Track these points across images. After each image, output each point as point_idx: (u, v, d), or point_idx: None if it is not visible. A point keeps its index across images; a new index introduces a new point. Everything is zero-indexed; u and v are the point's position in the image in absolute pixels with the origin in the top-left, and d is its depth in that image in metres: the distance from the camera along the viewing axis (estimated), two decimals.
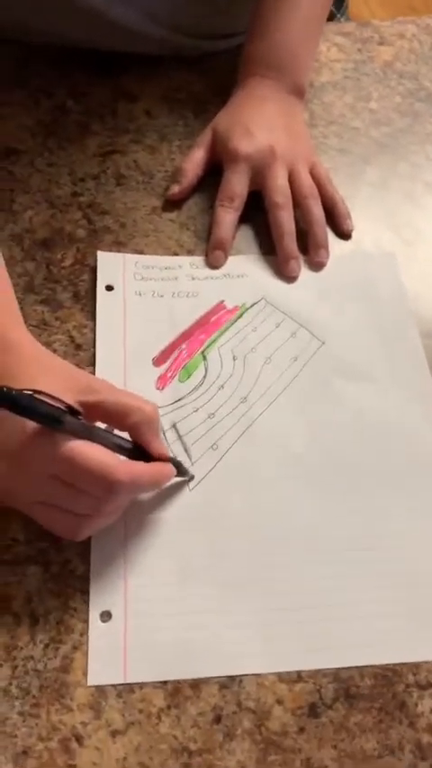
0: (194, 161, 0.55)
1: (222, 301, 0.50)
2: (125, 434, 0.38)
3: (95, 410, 0.37)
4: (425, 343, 0.49)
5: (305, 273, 0.52)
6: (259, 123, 0.54)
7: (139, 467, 0.37)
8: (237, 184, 0.52)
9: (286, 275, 0.51)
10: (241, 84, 0.58)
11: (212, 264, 0.51)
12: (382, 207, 0.56)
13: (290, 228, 0.51)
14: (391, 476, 0.43)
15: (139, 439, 0.38)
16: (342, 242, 0.54)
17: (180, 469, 0.41)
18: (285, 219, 0.51)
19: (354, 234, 0.54)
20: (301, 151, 0.55)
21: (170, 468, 0.40)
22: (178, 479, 0.42)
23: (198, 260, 0.52)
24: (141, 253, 0.52)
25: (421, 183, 0.58)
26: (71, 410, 0.35)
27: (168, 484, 0.41)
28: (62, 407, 0.34)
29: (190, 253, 0.52)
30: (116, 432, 0.38)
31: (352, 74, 0.66)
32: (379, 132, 0.61)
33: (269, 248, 0.53)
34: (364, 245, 0.54)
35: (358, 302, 0.51)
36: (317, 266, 0.52)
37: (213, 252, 0.51)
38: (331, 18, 0.73)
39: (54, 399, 0.34)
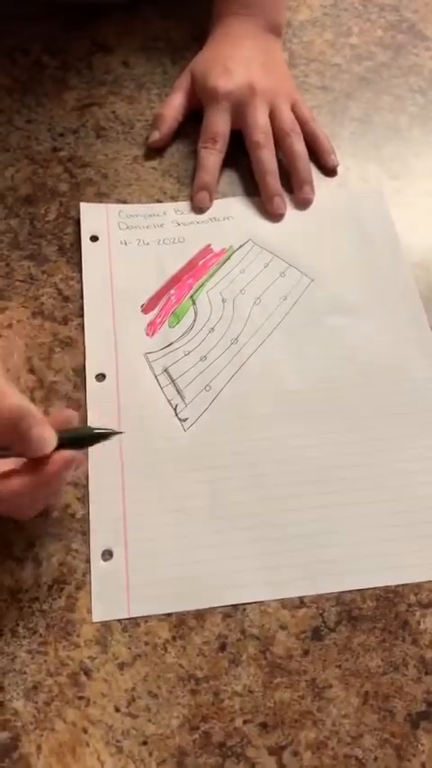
0: (173, 106, 0.54)
1: (209, 245, 0.50)
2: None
3: None
4: (416, 274, 0.48)
5: (292, 213, 0.51)
6: (237, 61, 0.53)
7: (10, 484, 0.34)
8: (218, 124, 0.52)
9: (272, 213, 0.50)
10: (217, 23, 0.57)
11: (198, 207, 0.51)
12: (367, 141, 0.55)
13: (272, 167, 0.51)
14: (385, 405, 0.43)
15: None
16: (328, 179, 0.53)
17: (100, 436, 0.36)
18: (267, 158, 0.51)
19: (340, 170, 0.54)
20: (282, 88, 0.54)
21: (54, 461, 0.34)
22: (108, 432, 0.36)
23: (183, 205, 0.51)
24: (125, 202, 0.51)
25: (405, 115, 0.57)
26: None
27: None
28: None
29: (174, 199, 0.52)
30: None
31: (331, 10, 0.64)
32: (361, 67, 0.60)
33: (254, 189, 0.52)
34: (350, 181, 0.53)
35: (347, 238, 0.50)
36: (303, 203, 0.51)
37: (198, 194, 0.51)
38: None
39: None
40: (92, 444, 0.38)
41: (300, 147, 0.52)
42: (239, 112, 0.52)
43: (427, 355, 0.45)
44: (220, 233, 0.50)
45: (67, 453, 0.34)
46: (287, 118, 0.52)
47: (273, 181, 0.50)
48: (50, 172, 0.53)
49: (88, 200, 0.51)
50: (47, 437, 0.34)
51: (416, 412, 0.43)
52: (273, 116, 0.52)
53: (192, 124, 0.55)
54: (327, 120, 0.56)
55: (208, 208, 0.51)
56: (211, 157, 0.51)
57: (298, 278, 0.48)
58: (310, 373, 0.44)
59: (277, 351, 0.45)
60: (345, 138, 0.56)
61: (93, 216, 0.50)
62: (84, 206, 0.50)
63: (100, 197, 0.52)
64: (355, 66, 0.60)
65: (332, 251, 0.49)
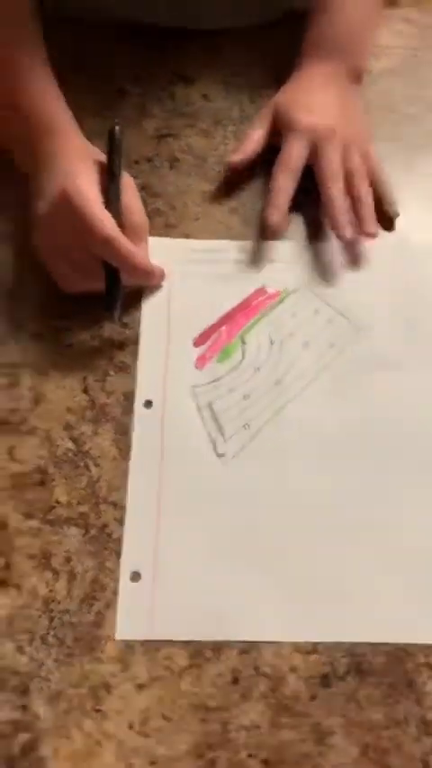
0: (254, 135, 0.56)
1: (263, 286, 0.52)
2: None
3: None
4: None
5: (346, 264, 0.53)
6: (320, 104, 0.55)
7: (125, 238, 0.46)
8: (295, 152, 0.53)
9: (343, 238, 0.51)
10: (302, 63, 0.58)
11: (269, 225, 0.52)
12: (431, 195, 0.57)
13: (342, 202, 0.52)
14: (421, 465, 0.44)
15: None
16: (388, 234, 0.54)
17: (114, 298, 0.47)
18: (338, 193, 0.52)
19: (402, 225, 0.55)
20: (358, 136, 0.55)
21: (154, 274, 0.50)
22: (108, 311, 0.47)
23: (244, 244, 0.53)
24: (190, 236, 0.54)
25: None
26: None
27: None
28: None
29: (237, 237, 0.54)
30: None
31: (411, 60, 0.65)
32: None
33: (313, 235, 0.54)
34: (411, 238, 0.54)
35: (399, 294, 0.51)
36: (367, 237, 0.52)
37: (272, 215, 0.52)
38: (394, 3, 0.72)
39: None
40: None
41: (365, 186, 0.53)
42: (316, 148, 0.53)
43: None
44: (275, 275, 0.52)
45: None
46: (356, 161, 0.54)
47: (342, 214, 0.51)
48: None
49: (156, 231, 0.53)
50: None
51: None
52: (343, 158, 0.54)
53: (263, 166, 0.57)
54: (395, 171, 0.57)
55: (280, 227, 0.52)
56: (286, 182, 0.52)
57: (346, 327, 0.50)
58: (349, 423, 0.46)
59: (319, 397, 0.47)
60: (411, 193, 0.57)
61: (159, 249, 0.52)
62: (151, 240, 0.53)
63: (167, 228, 0.54)
64: (429, 119, 0.61)
65: (383, 305, 0.51)
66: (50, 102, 0.51)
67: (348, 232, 0.51)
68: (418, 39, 0.66)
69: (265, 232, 0.53)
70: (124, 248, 0.46)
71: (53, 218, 0.47)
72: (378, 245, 0.53)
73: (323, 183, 0.53)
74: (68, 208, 0.45)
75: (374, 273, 0.52)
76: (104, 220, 0.45)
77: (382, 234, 0.54)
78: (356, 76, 0.59)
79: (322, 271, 0.52)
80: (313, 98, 0.56)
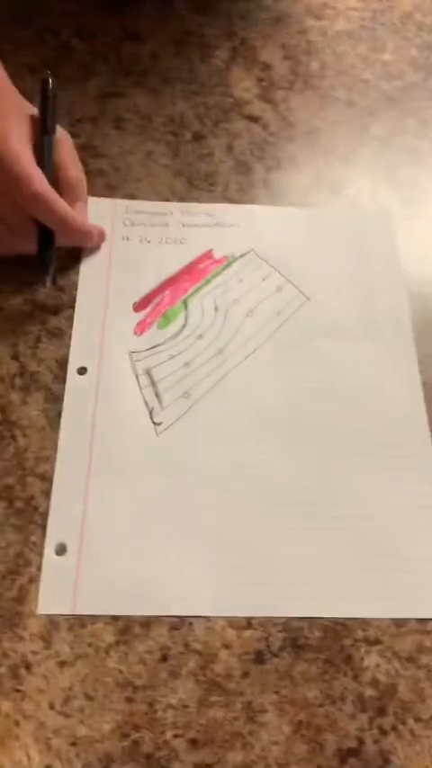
0: None
1: (210, 250, 0.49)
2: None
3: None
4: (412, 304, 0.48)
5: (298, 228, 0.51)
6: None
7: (57, 196, 0.44)
8: None
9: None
10: None
11: None
12: (385, 163, 0.55)
13: None
14: (360, 435, 0.42)
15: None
16: (339, 198, 0.53)
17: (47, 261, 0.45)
18: None
19: (352, 190, 0.53)
20: None
21: (92, 233, 0.47)
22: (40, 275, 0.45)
23: (190, 206, 0.51)
24: (133, 197, 0.51)
25: (428, 140, 0.56)
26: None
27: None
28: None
29: (182, 199, 0.51)
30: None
31: (369, 23, 0.63)
32: (390, 86, 0.59)
33: (264, 199, 0.52)
34: (361, 203, 0.53)
35: (349, 261, 0.50)
36: None
37: None
38: None
39: None
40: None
41: None
42: None
43: (409, 390, 0.44)
44: (223, 239, 0.50)
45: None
46: None
47: None
48: None
49: (97, 192, 0.51)
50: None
51: (390, 446, 0.42)
52: None
53: (211, 127, 0.55)
54: (347, 136, 0.56)
55: None
56: None
57: (294, 295, 0.48)
58: (290, 393, 0.44)
59: (261, 366, 0.45)
60: (363, 157, 0.55)
61: (99, 209, 0.50)
62: (91, 200, 0.50)
63: (109, 189, 0.51)
64: (383, 83, 0.59)
65: (332, 272, 0.49)
66: None
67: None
68: (376, 1, 0.64)
69: None
70: (57, 206, 0.43)
71: None
72: (328, 211, 0.51)
73: None
74: None
75: (325, 241, 0.50)
76: (33, 176, 0.42)
77: (335, 199, 0.52)
78: None
79: (273, 237, 0.50)
80: None
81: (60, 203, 0.44)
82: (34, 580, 0.37)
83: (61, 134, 0.47)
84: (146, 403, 0.43)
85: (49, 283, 0.45)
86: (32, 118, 0.46)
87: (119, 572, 0.37)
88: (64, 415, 0.42)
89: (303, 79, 0.59)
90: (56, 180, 0.46)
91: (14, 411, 0.42)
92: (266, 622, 0.37)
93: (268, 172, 0.53)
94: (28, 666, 0.35)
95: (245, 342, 0.46)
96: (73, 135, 0.53)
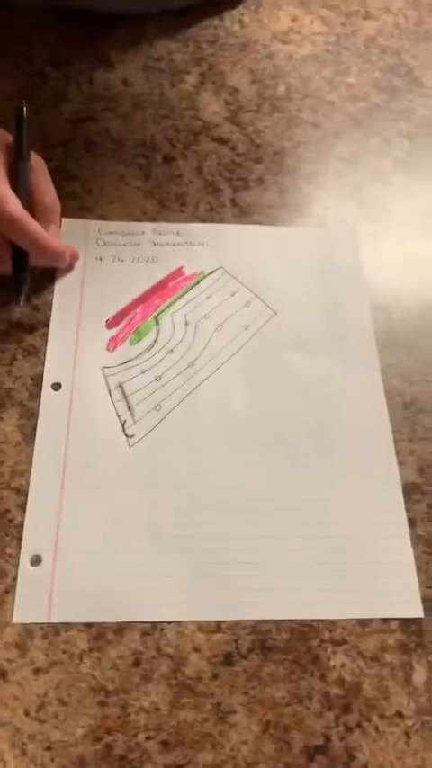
0: None
1: (181, 267, 0.51)
2: None
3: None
4: (375, 316, 0.49)
5: (265, 246, 0.53)
6: None
7: (32, 219, 0.45)
8: None
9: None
10: None
11: None
12: (350, 183, 0.57)
13: None
14: (328, 444, 0.44)
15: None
16: (306, 217, 0.55)
17: (20, 281, 0.46)
18: None
19: (318, 209, 0.55)
20: None
21: (66, 254, 0.48)
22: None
23: (161, 226, 0.53)
24: (105, 219, 0.53)
25: (390, 159, 0.58)
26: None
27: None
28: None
29: (153, 220, 0.53)
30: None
31: (333, 47, 0.65)
32: (354, 107, 0.61)
33: (232, 218, 0.53)
34: (327, 221, 0.54)
35: (315, 276, 0.51)
36: None
37: None
38: None
39: None
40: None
41: None
42: None
43: (373, 400, 0.46)
44: (192, 257, 0.52)
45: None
46: None
47: None
48: None
49: (71, 213, 0.53)
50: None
51: (355, 454, 0.44)
52: None
53: (181, 149, 0.57)
54: (313, 156, 0.58)
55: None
56: None
57: (262, 309, 0.49)
58: (259, 404, 0.45)
59: (230, 378, 0.46)
60: (328, 177, 0.57)
61: (72, 230, 0.51)
62: (65, 221, 0.52)
63: (82, 211, 0.53)
64: (348, 105, 0.62)
65: (298, 287, 0.51)
66: None
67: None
68: (340, 26, 0.67)
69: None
70: (31, 228, 0.45)
71: None
72: (295, 230, 0.53)
73: None
74: None
75: (293, 258, 0.52)
76: (8, 200, 0.44)
77: (302, 218, 0.54)
78: None
79: (241, 254, 0.52)
80: None
81: (34, 225, 0.45)
82: (10, 590, 0.38)
83: (35, 159, 0.49)
84: (118, 416, 0.44)
85: (22, 302, 0.46)
86: (7, 145, 0.48)
87: (92, 581, 0.39)
88: (39, 427, 0.43)
89: (270, 102, 0.61)
90: (30, 204, 0.47)
91: None
92: (235, 625, 0.38)
93: (236, 192, 0.55)
94: (3, 674, 0.36)
95: (215, 355, 0.47)
96: (46, 159, 0.55)
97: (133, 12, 0.63)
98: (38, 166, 0.49)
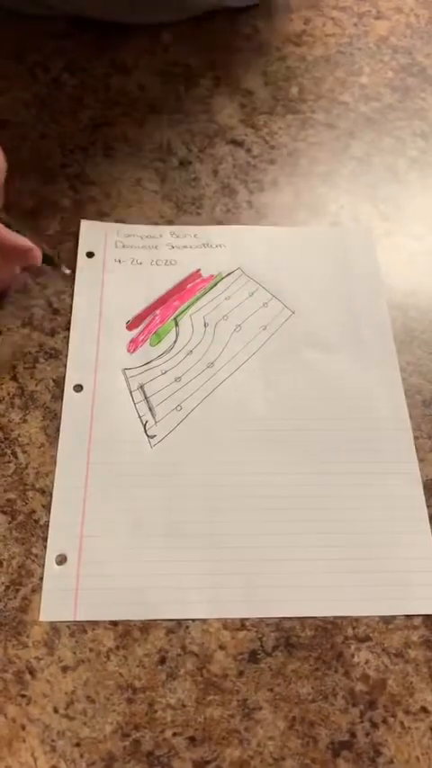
0: None
1: (198, 270, 0.52)
2: None
3: None
4: (392, 314, 0.50)
5: (282, 246, 0.53)
6: None
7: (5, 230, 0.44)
8: None
9: None
10: None
11: None
12: (365, 182, 0.57)
13: None
14: (348, 442, 0.44)
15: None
16: (321, 216, 0.55)
17: (50, 260, 0.48)
18: None
19: (333, 208, 0.55)
20: None
21: (36, 248, 0.46)
22: (50, 268, 0.49)
23: (178, 229, 0.53)
24: (123, 222, 0.54)
25: (405, 158, 0.58)
26: None
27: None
28: None
29: (170, 223, 0.54)
30: None
31: (345, 48, 0.66)
32: (368, 107, 0.62)
33: (248, 220, 0.54)
34: (342, 220, 0.55)
35: (331, 275, 0.52)
36: None
37: None
38: None
39: None
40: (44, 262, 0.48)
41: None
42: None
43: (393, 397, 0.46)
44: (210, 259, 0.52)
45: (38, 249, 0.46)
46: None
47: None
48: (56, 187, 0.55)
49: (89, 218, 0.53)
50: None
51: (375, 452, 0.44)
52: None
53: (197, 153, 0.57)
54: (327, 156, 0.58)
55: None
56: None
57: (280, 309, 0.50)
58: (278, 403, 0.46)
59: (250, 378, 0.47)
60: (343, 177, 0.57)
61: (92, 233, 0.52)
62: (84, 223, 0.52)
63: (100, 215, 0.54)
64: (362, 105, 0.62)
65: (316, 286, 0.51)
66: None
67: None
68: (352, 27, 0.67)
69: None
70: (11, 237, 0.45)
71: None
72: (311, 229, 0.54)
73: None
74: None
75: (309, 257, 0.52)
76: None
77: (317, 217, 0.55)
78: None
79: (258, 255, 0.52)
80: None
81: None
82: (37, 590, 0.39)
83: None
84: (140, 417, 0.45)
85: (66, 270, 0.50)
86: None
87: (117, 579, 0.39)
88: (62, 429, 0.44)
89: (284, 104, 0.61)
90: None
91: (14, 429, 0.44)
92: (260, 623, 0.39)
93: (252, 194, 0.55)
94: (32, 672, 0.37)
95: (233, 356, 0.48)
96: (66, 165, 0.56)
97: (145, 23, 0.64)
98: None
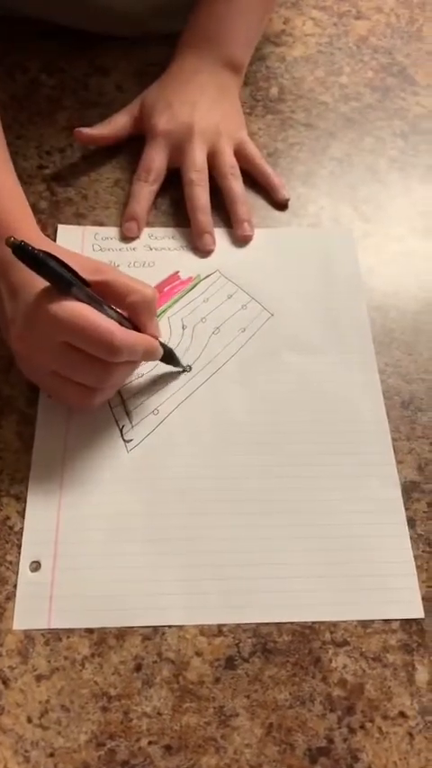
0: (117, 124, 0.56)
1: (177, 272, 0.51)
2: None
3: (101, 287, 0.41)
4: (372, 316, 0.49)
5: (261, 248, 0.53)
6: (183, 99, 0.54)
7: (135, 333, 0.42)
8: (154, 160, 0.53)
9: (201, 249, 0.52)
10: (176, 54, 0.58)
11: (126, 235, 0.52)
12: (345, 182, 0.57)
13: (202, 203, 0.52)
14: (327, 444, 0.44)
15: (136, 319, 0.42)
16: (301, 217, 0.55)
17: (173, 358, 0.45)
18: (198, 194, 0.52)
19: (313, 209, 0.55)
20: (226, 128, 0.55)
21: (158, 345, 0.44)
22: (173, 369, 0.46)
23: (156, 231, 0.53)
24: (101, 224, 0.53)
25: (385, 158, 0.58)
26: (81, 280, 0.39)
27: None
28: (72, 276, 0.38)
29: (149, 225, 0.53)
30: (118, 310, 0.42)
31: (325, 48, 0.66)
32: (348, 107, 0.61)
33: (227, 222, 0.53)
34: (323, 221, 0.54)
35: (311, 276, 0.51)
36: (242, 240, 0.52)
37: (126, 223, 0.52)
38: None
39: (66, 268, 0.38)
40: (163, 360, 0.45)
41: (237, 188, 0.53)
42: (177, 151, 0.53)
43: (372, 399, 0.46)
44: (189, 261, 0.52)
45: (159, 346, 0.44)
46: (227, 160, 0.53)
47: (203, 218, 0.52)
48: (33, 189, 0.54)
49: (66, 219, 0.53)
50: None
51: (354, 455, 0.44)
52: (213, 157, 0.54)
53: None
54: (307, 157, 0.58)
55: (136, 237, 0.52)
56: (144, 190, 0.53)
57: (259, 311, 0.49)
58: (257, 406, 0.45)
59: (228, 381, 0.46)
60: (323, 177, 0.57)
61: (69, 237, 0.52)
62: (61, 228, 0.52)
63: (78, 217, 0.53)
64: (342, 105, 0.62)
65: (295, 288, 0.51)
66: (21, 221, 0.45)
67: (205, 244, 0.51)
68: (332, 27, 0.67)
69: None
70: (142, 342, 0.42)
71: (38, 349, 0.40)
72: (290, 230, 0.53)
73: (184, 186, 0.53)
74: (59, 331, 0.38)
75: (289, 259, 0.52)
76: (110, 328, 0.39)
77: (297, 218, 0.54)
78: (233, 66, 0.58)
79: (237, 257, 0.52)
80: (177, 92, 0.55)
81: (138, 339, 0.42)
82: (11, 597, 0.38)
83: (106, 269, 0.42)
84: (116, 421, 0.44)
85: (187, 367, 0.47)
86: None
87: (92, 586, 0.39)
88: (37, 434, 0.43)
89: (263, 104, 0.61)
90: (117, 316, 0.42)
91: None
92: (237, 629, 0.38)
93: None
94: (5, 681, 0.36)
95: (212, 358, 0.47)
96: (42, 166, 0.56)
97: (116, 35, 0.63)
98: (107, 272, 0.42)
